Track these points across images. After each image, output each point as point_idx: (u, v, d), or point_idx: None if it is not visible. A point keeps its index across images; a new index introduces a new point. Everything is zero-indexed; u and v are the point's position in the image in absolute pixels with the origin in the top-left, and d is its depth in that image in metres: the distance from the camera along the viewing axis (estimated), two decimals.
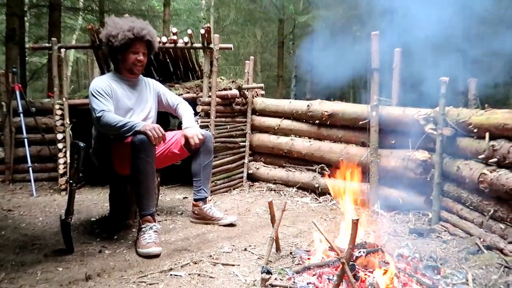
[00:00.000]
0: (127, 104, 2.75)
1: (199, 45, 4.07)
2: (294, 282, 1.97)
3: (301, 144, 4.15)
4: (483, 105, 2.83)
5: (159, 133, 2.62)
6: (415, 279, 1.89)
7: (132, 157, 2.43)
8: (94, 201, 3.63)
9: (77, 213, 3.09)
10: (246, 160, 4.41)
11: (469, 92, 3.34)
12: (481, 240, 2.47)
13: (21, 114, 4.23)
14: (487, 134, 2.55)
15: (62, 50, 4.11)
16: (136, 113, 2.78)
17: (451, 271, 2.13)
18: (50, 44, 4.06)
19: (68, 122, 4.03)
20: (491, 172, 2.45)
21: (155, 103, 2.96)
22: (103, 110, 2.53)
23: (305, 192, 4.02)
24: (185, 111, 2.94)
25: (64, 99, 4.04)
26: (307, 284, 1.95)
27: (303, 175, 4.09)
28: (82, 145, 2.33)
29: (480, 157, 2.59)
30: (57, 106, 4.03)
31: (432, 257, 2.30)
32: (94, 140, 2.78)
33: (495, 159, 2.44)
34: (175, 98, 3.05)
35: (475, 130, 2.68)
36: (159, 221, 2.85)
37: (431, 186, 3.08)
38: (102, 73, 4.54)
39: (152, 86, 2.97)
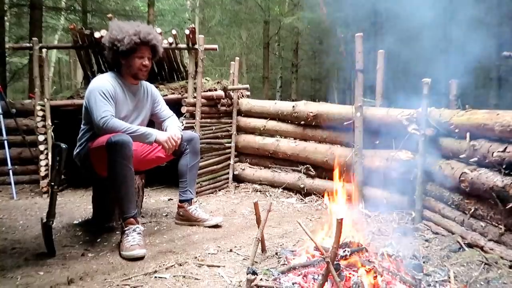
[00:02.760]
0: (124, 111, 2.70)
1: (184, 45, 4.04)
2: (279, 283, 1.97)
3: (287, 145, 4.16)
4: (464, 106, 2.88)
5: (173, 143, 2.61)
6: (399, 277, 1.91)
7: (108, 160, 2.39)
8: (77, 204, 3.57)
9: (59, 216, 3.04)
10: (231, 161, 4.40)
11: (450, 93, 3.40)
12: (463, 238, 2.52)
13: (1, 116, 4.13)
14: (467, 134, 2.60)
15: (44, 50, 4.03)
16: (130, 120, 2.72)
17: (433, 269, 2.17)
18: (31, 44, 3.98)
19: (50, 124, 3.96)
20: (471, 171, 2.50)
21: (149, 111, 2.91)
22: (107, 115, 2.47)
23: (291, 193, 4.03)
24: (171, 124, 2.87)
25: (45, 100, 3.97)
26: (293, 284, 1.95)
27: (288, 176, 4.11)
28: (64, 146, 2.29)
29: (461, 156, 2.64)
30: (38, 107, 3.95)
31: (415, 255, 2.33)
32: (79, 142, 2.72)
33: (475, 159, 2.49)
34: (167, 111, 2.97)
35: (456, 130, 2.74)
36: (143, 223, 2.82)
37: (414, 186, 3.12)
38: (85, 74, 4.47)
39: (150, 93, 2.91)
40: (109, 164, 2.41)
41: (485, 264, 2.17)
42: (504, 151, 2.23)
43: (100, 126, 2.48)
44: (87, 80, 4.34)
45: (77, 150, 2.71)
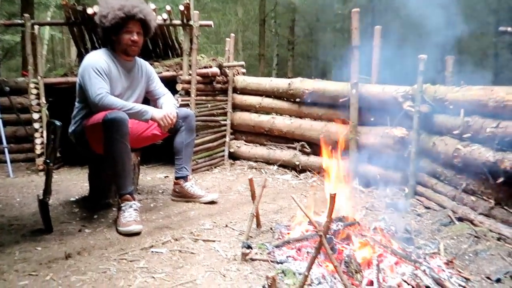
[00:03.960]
0: (119, 88, 2.67)
1: (179, 22, 3.99)
2: (273, 256, 2.02)
3: (282, 122, 4.17)
4: (460, 83, 2.88)
5: (169, 121, 2.60)
6: (390, 250, 1.95)
7: (105, 137, 2.39)
8: (73, 181, 3.59)
9: (56, 193, 3.06)
10: (227, 139, 4.41)
11: (447, 70, 3.39)
12: (454, 212, 2.56)
13: None
14: (462, 110, 2.61)
15: (36, 27, 3.97)
16: (124, 98, 2.69)
17: (424, 242, 2.22)
18: (23, 21, 3.91)
19: (44, 102, 3.93)
20: (464, 147, 2.52)
21: (144, 89, 2.89)
22: (102, 92, 2.45)
23: (286, 170, 4.06)
24: (167, 102, 2.85)
25: (39, 78, 3.93)
26: (287, 258, 2.00)
27: (284, 153, 4.13)
28: (58, 124, 2.28)
29: (455, 132, 2.66)
30: (32, 85, 3.92)
31: (407, 229, 2.37)
32: (73, 119, 2.71)
33: (469, 135, 2.52)
34: (162, 89, 2.95)
35: (451, 107, 2.75)
36: (139, 200, 2.84)
37: (408, 162, 3.15)
38: (79, 51, 4.41)
39: (144, 70, 2.87)
40: (105, 141, 2.42)
41: (475, 237, 2.22)
42: (497, 126, 2.25)
43: (96, 103, 2.46)
44: (81, 57, 4.28)
45: (72, 127, 2.70)
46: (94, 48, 4.26)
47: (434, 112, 2.99)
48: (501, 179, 2.18)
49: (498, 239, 2.15)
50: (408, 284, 1.74)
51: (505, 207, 2.26)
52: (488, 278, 1.84)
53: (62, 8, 4.13)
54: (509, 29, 2.15)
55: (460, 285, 1.76)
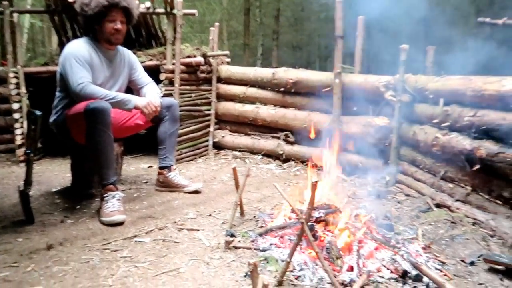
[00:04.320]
0: (101, 77, 2.63)
1: (162, 10, 3.93)
2: (257, 244, 2.05)
3: (266, 112, 4.18)
4: (440, 72, 2.93)
5: (153, 108, 2.58)
6: (370, 237, 2.00)
7: (87, 127, 2.37)
8: (55, 172, 3.54)
9: (37, 184, 3.02)
10: (211, 129, 4.40)
11: (427, 60, 3.44)
12: (432, 199, 2.64)
13: None
14: (441, 100, 2.67)
15: (15, 14, 3.86)
16: (106, 87, 2.64)
17: (403, 228, 2.28)
18: (2, 8, 3.79)
19: (25, 91, 3.85)
20: (443, 135, 2.59)
21: (127, 78, 2.85)
22: (83, 81, 2.41)
23: (270, 159, 4.09)
24: (150, 90, 2.82)
25: (19, 67, 3.84)
26: (270, 245, 2.03)
27: (268, 143, 4.15)
28: (39, 113, 2.24)
29: (434, 121, 2.72)
30: (11, 75, 3.82)
31: (387, 216, 2.43)
32: (54, 109, 2.67)
33: (447, 123, 2.58)
34: (145, 78, 2.91)
35: (431, 96, 2.80)
36: (123, 190, 2.83)
37: (389, 151, 3.22)
38: (60, 40, 4.31)
39: (127, 59, 2.83)
40: (87, 131, 2.39)
41: (451, 222, 2.30)
42: (474, 115, 2.31)
43: (77, 92, 2.43)
44: (62, 46, 4.19)
45: (53, 117, 2.66)
46: (75, 36, 4.17)
47: (415, 102, 3.05)
48: (477, 167, 2.25)
49: (473, 224, 2.22)
50: (387, 269, 1.79)
51: (480, 194, 2.34)
52: (463, 261, 1.91)
53: None
54: (487, 20, 2.19)
55: (436, 268, 1.83)
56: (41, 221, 2.33)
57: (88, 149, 2.47)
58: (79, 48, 2.53)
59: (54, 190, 2.96)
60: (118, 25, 2.58)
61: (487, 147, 2.16)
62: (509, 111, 2.06)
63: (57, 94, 2.66)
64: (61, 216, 2.42)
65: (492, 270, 1.81)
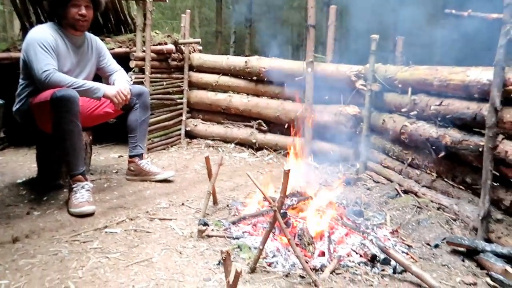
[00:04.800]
0: (67, 65, 2.53)
1: None
2: (230, 232, 2.06)
3: (239, 101, 4.16)
4: (408, 62, 3.00)
5: (123, 97, 2.51)
6: (341, 223, 2.05)
7: (53, 116, 2.29)
8: (20, 163, 3.41)
9: (1, 175, 2.91)
10: (183, 117, 4.35)
11: (397, 50, 3.51)
12: (400, 185, 2.73)
13: None
14: (409, 89, 2.74)
15: None
16: (73, 75, 2.55)
17: (373, 214, 2.35)
18: None
19: None
20: (411, 124, 2.66)
21: (95, 65, 2.76)
22: (49, 69, 2.31)
23: (243, 148, 4.09)
24: (119, 78, 2.74)
25: None
26: (243, 233, 2.05)
27: (241, 131, 4.14)
28: (1, 102, 2.15)
29: (403, 110, 2.79)
30: None
31: (357, 202, 2.50)
32: (18, 97, 2.55)
33: (415, 112, 2.65)
34: (114, 65, 2.83)
35: (400, 86, 2.87)
36: (92, 181, 2.76)
37: (359, 139, 3.29)
38: (23, 25, 4.11)
39: (95, 46, 2.74)
40: (54, 120, 2.31)
41: (418, 207, 2.38)
42: (440, 104, 2.38)
43: (42, 80, 2.33)
44: (24, 31, 4.00)
45: (17, 106, 2.55)
46: (39, 21, 3.99)
47: (385, 91, 3.12)
48: (442, 154, 2.33)
49: (438, 208, 2.32)
50: (357, 253, 1.85)
51: (445, 180, 2.43)
52: (428, 244, 1.99)
53: None
54: (453, 11, 2.25)
55: (403, 251, 1.90)
56: (6, 213, 2.25)
57: (56, 139, 2.39)
58: (43, 33, 2.42)
59: (19, 181, 2.86)
60: (83, 10, 2.48)
61: (451, 135, 2.24)
62: (473, 101, 2.14)
63: (21, 81, 2.54)
64: (27, 208, 2.34)
65: (454, 252, 1.90)
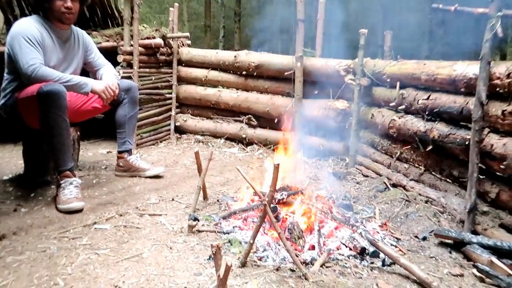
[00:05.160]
0: (54, 59, 2.49)
1: None
2: (220, 227, 2.06)
3: (229, 96, 4.15)
4: (397, 57, 3.03)
5: (111, 93, 2.48)
6: (330, 216, 2.07)
7: (40, 111, 2.25)
8: (6, 159, 3.35)
9: None
10: (173, 112, 4.32)
11: (385, 44, 3.53)
12: (388, 179, 2.76)
13: None
14: (397, 83, 2.76)
15: None
16: (60, 70, 2.51)
17: (362, 207, 2.37)
18: None
19: None
20: (399, 118, 2.69)
21: (82, 59, 2.72)
22: (35, 63, 2.27)
23: (233, 143, 4.09)
24: (107, 72, 2.71)
25: None
26: (233, 228, 2.05)
27: (230, 126, 4.14)
28: None
29: (391, 104, 2.82)
30: None
31: (346, 196, 2.52)
32: (3, 92, 2.50)
33: (403, 106, 2.68)
34: (101, 60, 2.80)
35: (388, 80, 2.89)
36: (80, 177, 2.73)
37: (349, 133, 3.31)
38: (6, 18, 4.02)
39: (82, 40, 2.69)
40: (41, 115, 2.27)
41: (406, 201, 2.41)
42: (427, 98, 2.41)
43: (28, 75, 2.28)
44: (8, 25, 3.91)
45: (2, 101, 2.49)
46: (23, 14, 3.91)
47: (373, 85, 3.14)
48: (429, 147, 2.36)
49: (426, 201, 2.35)
50: (346, 247, 1.86)
51: (432, 173, 2.47)
52: (416, 237, 2.02)
53: None
54: (440, 6, 2.27)
55: (392, 244, 1.92)
56: None
57: (43, 135, 2.35)
58: (29, 27, 2.37)
59: (5, 178, 2.81)
60: (69, 3, 2.43)
61: (438, 129, 2.27)
62: (460, 94, 2.17)
63: (6, 76, 2.49)
64: (13, 205, 2.30)
65: (442, 244, 1.94)
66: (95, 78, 2.70)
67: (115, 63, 3.52)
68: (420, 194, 2.43)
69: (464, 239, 1.86)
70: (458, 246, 1.88)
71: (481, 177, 1.98)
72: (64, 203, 2.23)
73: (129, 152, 2.89)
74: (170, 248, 1.83)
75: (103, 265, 1.66)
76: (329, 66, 3.47)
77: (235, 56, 4.06)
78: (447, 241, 1.93)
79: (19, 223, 2.06)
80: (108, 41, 3.92)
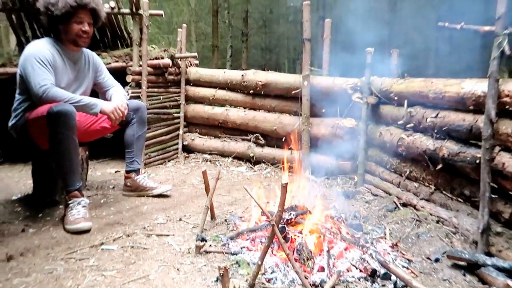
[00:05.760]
0: (65, 80, 2.53)
1: (127, 10, 3.85)
2: (228, 248, 2.03)
3: (236, 114, 4.17)
4: (404, 75, 3.03)
5: (120, 113, 2.51)
6: (340, 237, 2.03)
7: (50, 131, 2.27)
8: (15, 179, 3.38)
9: None
10: (180, 131, 4.35)
11: (392, 63, 3.54)
12: (398, 198, 2.71)
13: None
14: (405, 101, 2.75)
15: None
16: (71, 91, 2.55)
17: (372, 227, 2.33)
18: None
19: None
20: (408, 136, 2.67)
21: (92, 80, 2.76)
22: (46, 84, 2.31)
23: (241, 162, 4.08)
24: (116, 93, 2.74)
25: None
26: (241, 249, 2.02)
27: (238, 145, 4.14)
28: None
29: (399, 123, 2.80)
30: None
31: (356, 216, 2.48)
32: (14, 112, 2.54)
33: (411, 124, 2.66)
34: (110, 81, 2.84)
35: (395, 98, 2.88)
36: (88, 196, 2.74)
37: (357, 152, 3.28)
38: (19, 40, 4.12)
39: (92, 62, 2.75)
40: (51, 135, 2.29)
41: (417, 220, 2.37)
42: (436, 116, 2.39)
43: (39, 95, 2.32)
44: (20, 46, 4.01)
45: (13, 121, 2.53)
46: (35, 36, 4.01)
47: (381, 103, 3.13)
48: (440, 166, 2.33)
49: (437, 221, 2.30)
50: (357, 268, 1.82)
51: (443, 192, 2.42)
52: (428, 258, 1.97)
53: None
54: (446, 24, 2.27)
55: (403, 266, 1.88)
56: (0, 231, 2.21)
57: (52, 154, 2.37)
58: (41, 48, 2.43)
59: (14, 198, 2.83)
60: (86, 27, 2.50)
61: (448, 147, 2.24)
62: (468, 112, 2.15)
63: (17, 96, 2.53)
64: (22, 225, 2.30)
65: (455, 266, 1.88)
66: (104, 98, 2.73)
67: (124, 83, 3.57)
68: (431, 214, 2.38)
69: (478, 261, 1.80)
70: (472, 268, 1.83)
71: (493, 196, 1.93)
72: (72, 223, 2.23)
73: (137, 171, 2.89)
74: (177, 269, 1.81)
75: (109, 287, 1.64)
76: (336, 85, 3.48)
77: (242, 75, 4.10)
78: (460, 263, 1.88)
79: (27, 243, 2.05)
80: (117, 61, 3.99)
